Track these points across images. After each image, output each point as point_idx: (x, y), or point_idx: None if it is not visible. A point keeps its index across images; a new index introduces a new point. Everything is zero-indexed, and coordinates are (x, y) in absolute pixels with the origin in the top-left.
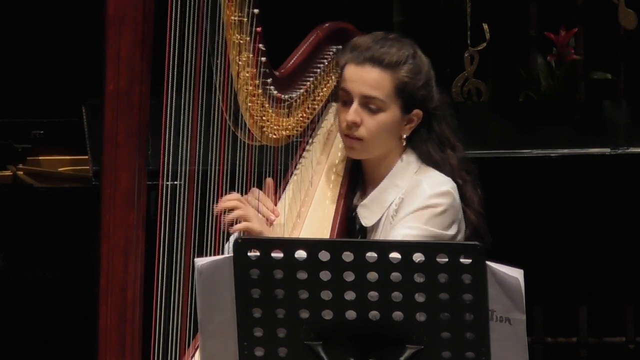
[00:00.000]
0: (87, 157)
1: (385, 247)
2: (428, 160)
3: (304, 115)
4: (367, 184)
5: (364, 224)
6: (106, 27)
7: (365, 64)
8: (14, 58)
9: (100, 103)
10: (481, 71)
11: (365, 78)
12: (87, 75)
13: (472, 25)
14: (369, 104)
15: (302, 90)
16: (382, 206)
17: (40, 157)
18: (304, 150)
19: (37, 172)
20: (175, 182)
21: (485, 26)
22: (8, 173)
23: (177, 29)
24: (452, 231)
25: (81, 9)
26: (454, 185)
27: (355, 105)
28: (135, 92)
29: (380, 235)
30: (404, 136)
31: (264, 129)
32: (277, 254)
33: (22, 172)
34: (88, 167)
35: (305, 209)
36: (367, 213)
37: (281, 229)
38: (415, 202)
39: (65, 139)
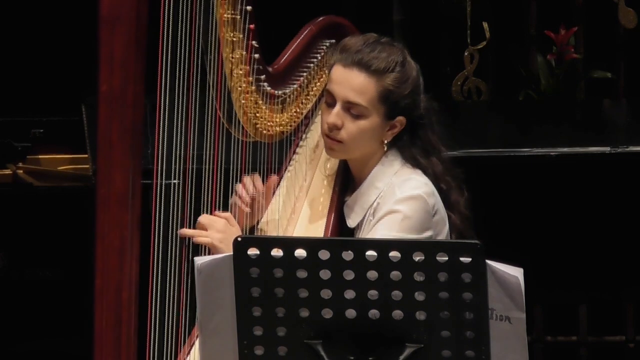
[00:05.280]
0: (86, 155)
1: (385, 245)
2: (409, 163)
3: (298, 110)
4: (355, 182)
5: (348, 224)
6: (100, 27)
7: (353, 67)
8: (14, 57)
9: (96, 102)
10: (481, 70)
11: (350, 82)
12: (86, 74)
13: (472, 23)
14: (351, 109)
15: (295, 86)
16: (363, 207)
17: (40, 156)
18: (297, 145)
19: (37, 171)
20: (170, 181)
21: (485, 25)
22: (8, 172)
23: (171, 27)
24: (425, 234)
25: (80, 7)
26: (430, 189)
27: (337, 108)
28: (129, 92)
29: (361, 236)
30: (386, 141)
31: (258, 126)
32: (277, 253)
33: (21, 171)
34: (88, 166)
35: (300, 204)
36: (350, 213)
37: (275, 225)
38: (385, 208)
39: (65, 138)
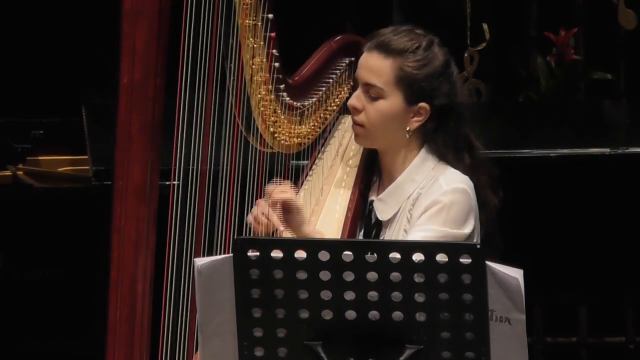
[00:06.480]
0: (86, 157)
1: (385, 247)
2: (441, 157)
3: (316, 124)
4: (384, 178)
5: (380, 217)
6: (122, 20)
7: (373, 50)
8: (14, 58)
9: (110, 98)
10: (481, 71)
11: (368, 64)
12: (86, 75)
13: (472, 25)
14: (369, 91)
15: (314, 99)
16: (399, 200)
17: (39, 157)
18: (315, 159)
19: (37, 172)
20: (187, 180)
21: (485, 26)
22: (8, 173)
23: (192, 29)
24: (467, 229)
25: (80, 8)
26: (471, 184)
27: (358, 91)
28: (150, 85)
29: (395, 229)
30: (409, 128)
31: (276, 135)
32: (277, 254)
33: (21, 172)
34: (88, 167)
35: (315, 218)
36: (383, 207)
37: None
38: (430, 198)
39: (64, 139)
